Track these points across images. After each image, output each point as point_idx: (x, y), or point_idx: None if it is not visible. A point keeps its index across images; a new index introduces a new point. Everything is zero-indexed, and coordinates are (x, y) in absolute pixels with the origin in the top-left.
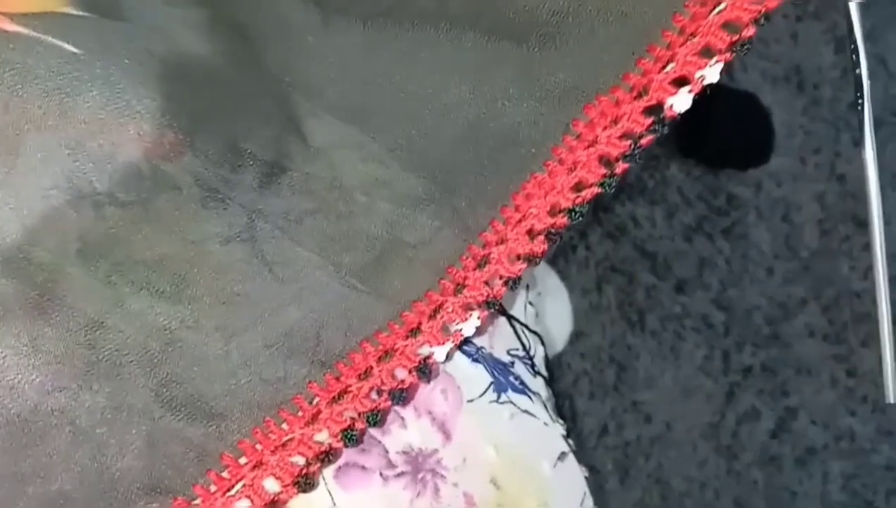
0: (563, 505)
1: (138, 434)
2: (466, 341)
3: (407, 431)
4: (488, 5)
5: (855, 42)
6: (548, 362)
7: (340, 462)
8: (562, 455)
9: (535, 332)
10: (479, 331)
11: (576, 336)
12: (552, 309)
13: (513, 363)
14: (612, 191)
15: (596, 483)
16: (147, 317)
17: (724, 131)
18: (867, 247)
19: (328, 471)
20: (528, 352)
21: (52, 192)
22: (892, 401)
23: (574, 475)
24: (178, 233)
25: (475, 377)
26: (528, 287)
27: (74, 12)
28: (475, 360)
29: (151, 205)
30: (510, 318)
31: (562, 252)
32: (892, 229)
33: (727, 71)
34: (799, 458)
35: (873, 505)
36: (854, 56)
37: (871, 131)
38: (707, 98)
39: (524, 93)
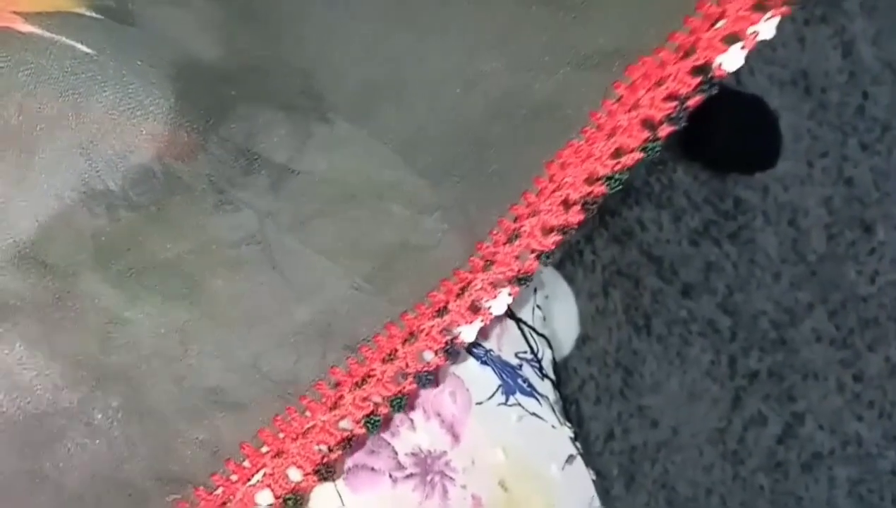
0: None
1: (154, 430)
2: (477, 345)
3: (416, 433)
4: None
5: None
6: (555, 365)
7: (350, 463)
8: (570, 458)
9: (542, 335)
10: (488, 334)
11: (582, 340)
12: (559, 313)
13: (521, 365)
14: (656, 154)
15: (602, 488)
16: (160, 318)
17: (732, 135)
18: (874, 251)
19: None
20: (535, 355)
21: (66, 192)
22: None
23: (582, 478)
24: (191, 234)
25: (484, 379)
26: (535, 290)
27: (87, 13)
28: (483, 363)
29: (164, 207)
30: (518, 321)
31: (568, 256)
32: None
33: (736, 74)
34: (805, 463)
35: None
36: None
37: None
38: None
39: (559, 61)
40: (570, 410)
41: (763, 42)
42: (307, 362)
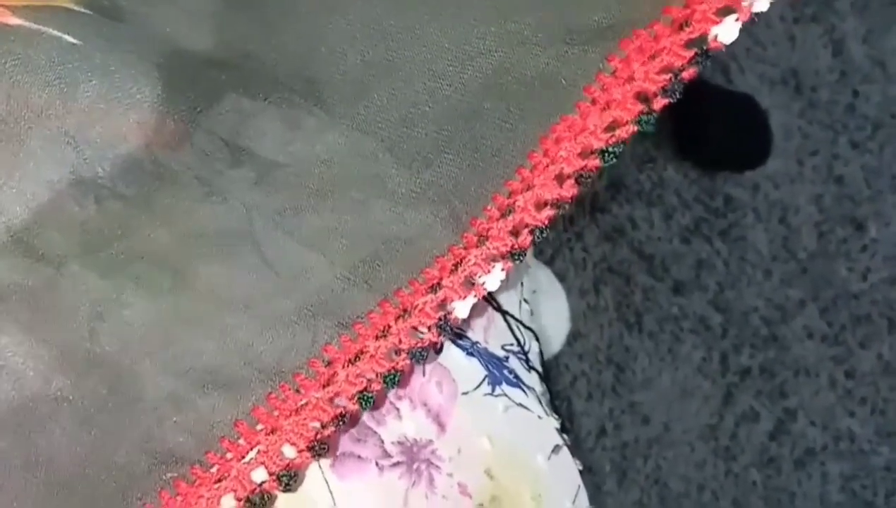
0: (557, 497)
1: (145, 414)
2: (463, 337)
3: (402, 422)
4: None
5: None
6: (542, 358)
7: (337, 451)
8: (556, 448)
9: (529, 328)
10: (475, 326)
11: (573, 337)
12: (550, 310)
13: (507, 357)
14: (650, 127)
15: (594, 485)
16: (147, 305)
17: (722, 133)
18: (865, 248)
19: (325, 461)
20: (522, 348)
21: (55, 181)
22: None
23: (568, 468)
24: (178, 226)
25: (470, 370)
26: (522, 284)
27: (75, 7)
28: (470, 354)
29: (152, 199)
30: (505, 314)
31: (560, 253)
32: (891, 230)
33: (726, 73)
34: (798, 459)
35: (873, 506)
36: None
37: None
38: (705, 100)
39: (553, 36)
40: (561, 407)
41: (754, 41)
42: (295, 347)
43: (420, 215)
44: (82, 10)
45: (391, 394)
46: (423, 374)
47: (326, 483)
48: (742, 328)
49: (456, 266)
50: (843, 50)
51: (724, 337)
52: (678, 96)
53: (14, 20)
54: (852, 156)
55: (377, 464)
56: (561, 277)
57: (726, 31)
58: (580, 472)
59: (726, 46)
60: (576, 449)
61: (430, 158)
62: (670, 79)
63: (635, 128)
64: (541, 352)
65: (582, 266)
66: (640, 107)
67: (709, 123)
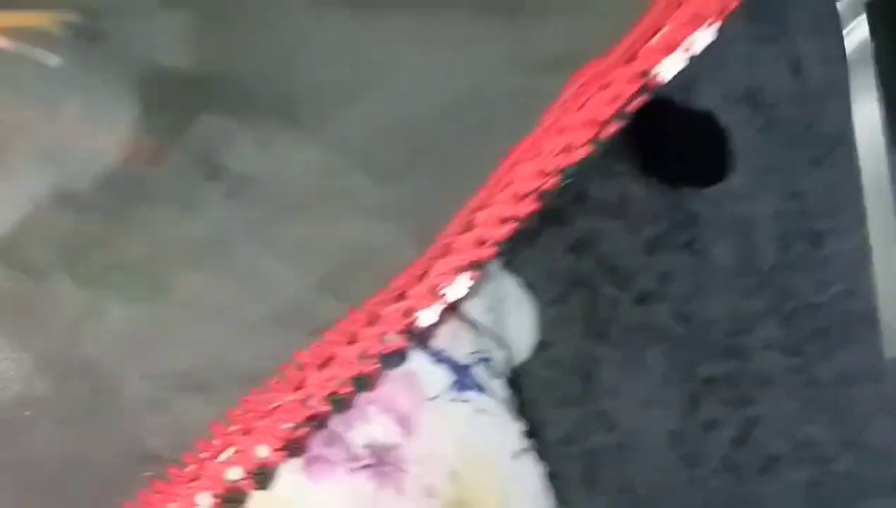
0: (521, 499)
1: (124, 417)
2: (430, 344)
3: (371, 426)
4: None
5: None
6: (507, 365)
7: (308, 454)
8: (520, 452)
9: (495, 336)
10: (442, 334)
11: (541, 346)
12: (518, 320)
13: (473, 364)
14: (601, 151)
15: (562, 492)
16: (125, 314)
17: (684, 151)
18: (823, 262)
19: (296, 463)
20: (487, 355)
21: (36, 195)
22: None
23: (532, 471)
24: (154, 237)
25: (437, 376)
26: (489, 294)
27: (57, 30)
28: (437, 361)
29: (129, 211)
30: (471, 323)
31: (528, 264)
32: (849, 244)
33: (688, 92)
34: (761, 466)
35: None
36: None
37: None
38: (667, 118)
39: (514, 63)
40: (529, 414)
41: (714, 60)
42: (267, 353)
43: (388, 228)
44: (64, 32)
45: (360, 400)
46: (391, 380)
47: (298, 483)
48: (705, 338)
49: (421, 276)
50: (802, 69)
51: (688, 347)
52: (626, 123)
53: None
54: (811, 172)
55: (346, 467)
56: (529, 288)
57: (670, 66)
58: (547, 477)
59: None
60: (543, 455)
61: (398, 175)
62: (620, 107)
63: (587, 152)
64: (506, 359)
65: (550, 277)
66: (592, 132)
67: (670, 141)
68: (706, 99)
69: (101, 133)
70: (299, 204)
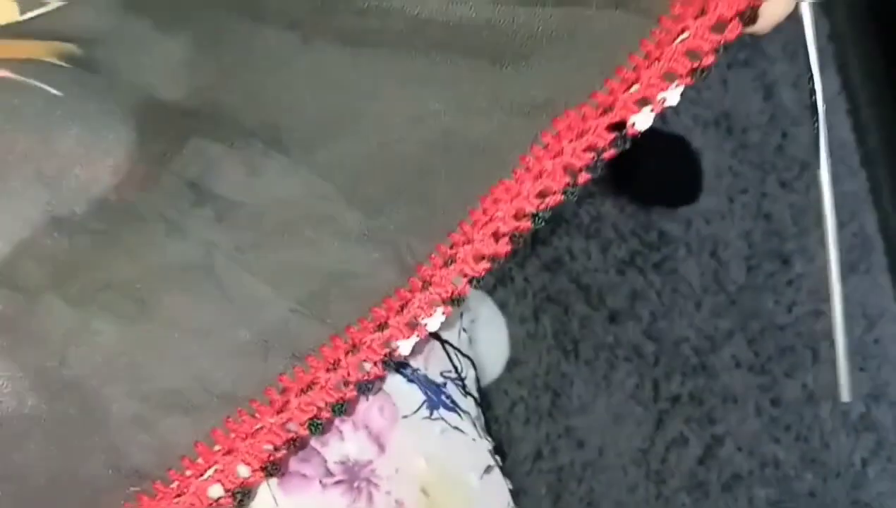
0: None
1: (112, 434)
2: (404, 364)
3: (345, 443)
4: (465, 31)
5: (807, 46)
6: (478, 384)
7: (284, 469)
8: (488, 469)
9: (467, 356)
10: (416, 354)
11: (513, 363)
12: (490, 337)
13: (445, 384)
14: (575, 198)
15: (530, 507)
16: (114, 334)
17: (655, 172)
18: (791, 283)
19: (273, 478)
20: (459, 374)
21: (32, 218)
22: (847, 399)
23: (499, 487)
24: (143, 260)
25: (410, 395)
26: (462, 314)
27: (57, 62)
28: (410, 380)
29: (120, 235)
30: (445, 343)
31: (501, 282)
32: (815, 265)
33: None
34: (725, 484)
35: None
36: (809, 67)
37: (825, 142)
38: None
39: (495, 107)
40: (500, 431)
41: (688, 85)
42: (250, 375)
43: (369, 255)
44: (62, 63)
45: (336, 418)
46: (367, 399)
47: (274, 499)
48: (673, 356)
49: (402, 307)
50: (774, 94)
51: (657, 365)
52: (599, 173)
53: (2, 72)
54: (780, 194)
55: (321, 482)
56: (502, 306)
57: (642, 120)
58: (514, 493)
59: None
60: (512, 472)
61: (380, 206)
62: (593, 157)
63: (562, 198)
64: (477, 379)
65: (522, 295)
66: (567, 179)
67: (643, 162)
68: (679, 122)
69: (97, 160)
70: (284, 230)
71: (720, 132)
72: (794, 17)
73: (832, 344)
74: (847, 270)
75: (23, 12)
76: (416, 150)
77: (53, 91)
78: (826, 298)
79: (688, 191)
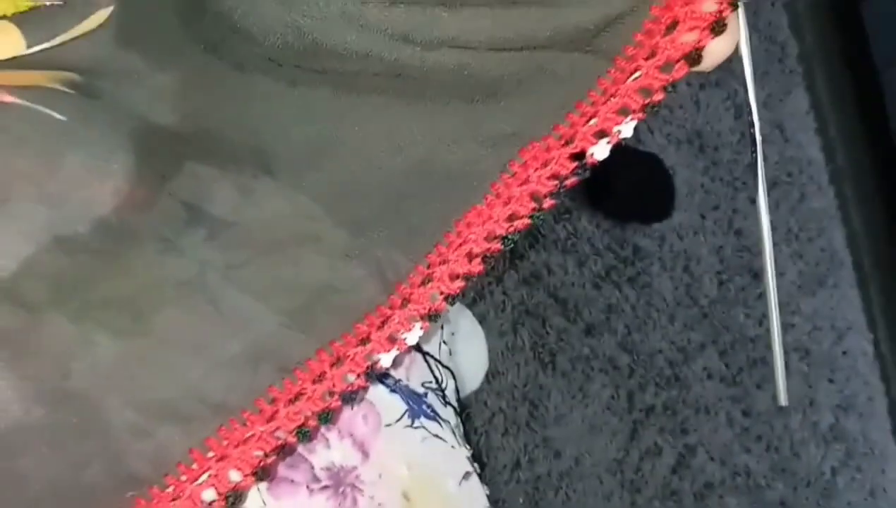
0: None
1: (110, 443)
2: (387, 375)
3: (330, 450)
4: (438, 73)
5: (746, 83)
6: (458, 394)
7: (273, 475)
8: (466, 475)
9: (447, 367)
10: (397, 365)
11: (491, 375)
12: (469, 350)
13: (426, 394)
14: (541, 222)
15: None
16: (112, 348)
17: (628, 189)
18: (761, 296)
19: (263, 484)
20: (440, 385)
21: (36, 237)
22: (784, 404)
23: (477, 492)
24: (139, 278)
25: (392, 404)
26: (443, 327)
27: (61, 88)
28: (393, 391)
29: (117, 253)
30: (426, 355)
31: (480, 296)
32: (785, 279)
33: (636, 134)
34: (698, 493)
35: None
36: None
37: (762, 169)
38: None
39: (467, 138)
40: (478, 441)
41: (662, 103)
42: (241, 386)
43: (353, 273)
44: (65, 89)
45: (322, 426)
46: (352, 408)
47: (264, 503)
48: (648, 368)
49: (383, 323)
50: (744, 113)
51: (631, 377)
52: (561, 199)
53: (9, 98)
54: (751, 211)
55: (308, 487)
56: (481, 319)
57: (600, 150)
58: (493, 502)
59: (653, 114)
60: (490, 481)
61: (363, 227)
62: (557, 184)
63: (529, 222)
64: (457, 389)
65: (501, 308)
66: (533, 204)
67: (619, 179)
68: (653, 140)
69: (99, 182)
70: (273, 248)
71: (693, 150)
72: (737, 56)
73: (802, 355)
74: (816, 285)
75: (29, 46)
76: (395, 177)
77: (57, 116)
78: (795, 311)
79: (661, 208)
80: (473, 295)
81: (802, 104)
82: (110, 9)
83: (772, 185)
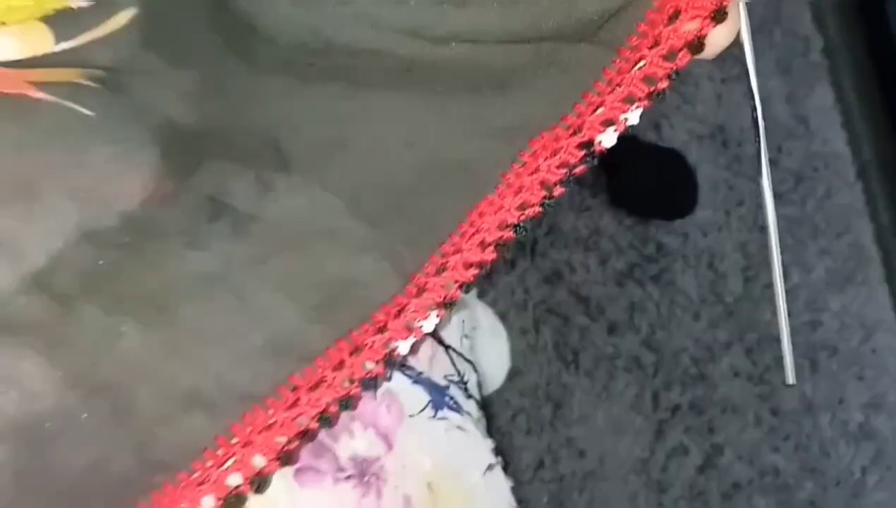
0: None
1: (139, 430)
2: (410, 367)
3: (355, 440)
4: (448, 67)
5: (743, 45)
6: (480, 387)
7: (299, 464)
8: (490, 467)
9: (468, 361)
10: (414, 354)
11: (514, 374)
12: (491, 349)
13: (448, 386)
14: (551, 210)
15: None
16: (141, 338)
17: (651, 185)
18: (787, 293)
19: (289, 471)
20: (462, 378)
21: (66, 231)
22: (791, 382)
23: (500, 484)
24: (165, 271)
25: (415, 396)
26: (464, 321)
27: (86, 83)
28: (416, 382)
29: (144, 247)
30: (448, 348)
31: (502, 295)
32: (812, 276)
33: (658, 130)
34: (725, 493)
35: None
36: (750, 89)
37: (765, 155)
38: (637, 155)
39: (478, 131)
40: (502, 440)
41: (683, 99)
42: (264, 376)
43: (372, 265)
44: (92, 84)
45: (346, 417)
46: (375, 398)
47: (289, 490)
48: (672, 367)
49: (399, 312)
50: (767, 108)
51: (656, 376)
52: (570, 186)
53: (38, 94)
54: (776, 206)
55: (332, 476)
56: (503, 317)
57: (608, 138)
58: (516, 500)
59: (660, 101)
60: (515, 483)
61: (381, 219)
62: (566, 173)
63: (540, 210)
64: (478, 382)
65: (523, 307)
66: (544, 193)
67: (640, 176)
68: (675, 136)
69: (126, 177)
70: (294, 241)
71: (715, 145)
72: (738, 44)
73: (830, 353)
74: (844, 281)
75: (57, 42)
76: (409, 170)
77: (86, 111)
78: (823, 308)
79: (684, 204)
80: (495, 294)
81: (827, 98)
82: (134, 10)
83: (798, 181)
